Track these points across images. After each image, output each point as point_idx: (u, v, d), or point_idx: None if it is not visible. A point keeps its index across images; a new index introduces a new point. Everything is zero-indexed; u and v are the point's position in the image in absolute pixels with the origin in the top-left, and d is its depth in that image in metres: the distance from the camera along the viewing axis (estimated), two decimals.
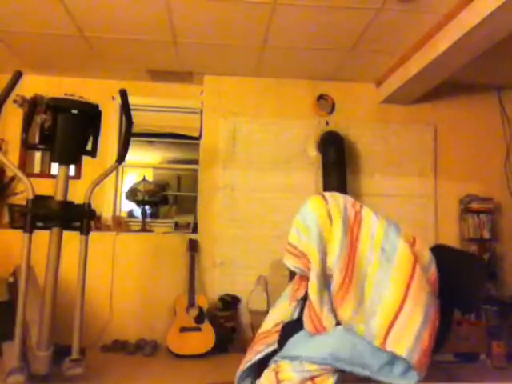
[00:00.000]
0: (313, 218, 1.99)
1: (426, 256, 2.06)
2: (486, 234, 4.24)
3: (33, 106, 2.83)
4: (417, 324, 1.83)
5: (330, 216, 2.00)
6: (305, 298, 2.05)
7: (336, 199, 2.07)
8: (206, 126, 4.38)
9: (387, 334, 1.82)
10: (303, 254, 2.00)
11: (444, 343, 2.10)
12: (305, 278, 2.05)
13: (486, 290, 4.13)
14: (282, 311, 2.22)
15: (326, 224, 1.99)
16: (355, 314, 1.86)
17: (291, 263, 2.06)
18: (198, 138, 4.51)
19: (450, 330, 2.21)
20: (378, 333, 1.83)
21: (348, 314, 1.87)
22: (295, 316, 2.14)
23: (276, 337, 2.10)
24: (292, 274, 2.76)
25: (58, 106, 2.79)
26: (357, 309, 1.87)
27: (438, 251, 2.13)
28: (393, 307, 1.85)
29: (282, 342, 2.03)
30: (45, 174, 4.41)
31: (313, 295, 1.91)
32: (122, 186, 4.54)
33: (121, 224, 4.28)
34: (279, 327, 2.14)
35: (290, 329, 2.05)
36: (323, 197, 2.07)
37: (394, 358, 1.84)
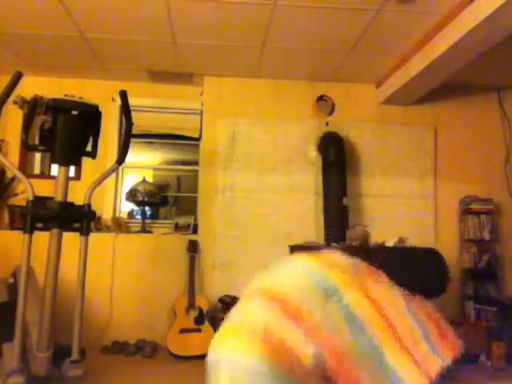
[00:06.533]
0: None
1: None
2: (487, 235, 4.23)
3: (33, 107, 2.82)
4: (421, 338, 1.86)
5: None
6: None
7: None
8: (206, 127, 4.38)
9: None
10: None
11: None
12: None
13: (486, 290, 4.14)
14: None
15: None
16: None
17: None
18: (198, 139, 4.51)
19: None
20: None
21: None
22: None
23: None
24: None
25: (57, 107, 2.78)
26: None
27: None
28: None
29: None
30: (45, 174, 4.41)
31: None
32: (122, 187, 4.54)
33: (121, 225, 4.28)
34: None
35: None
36: None
37: None
